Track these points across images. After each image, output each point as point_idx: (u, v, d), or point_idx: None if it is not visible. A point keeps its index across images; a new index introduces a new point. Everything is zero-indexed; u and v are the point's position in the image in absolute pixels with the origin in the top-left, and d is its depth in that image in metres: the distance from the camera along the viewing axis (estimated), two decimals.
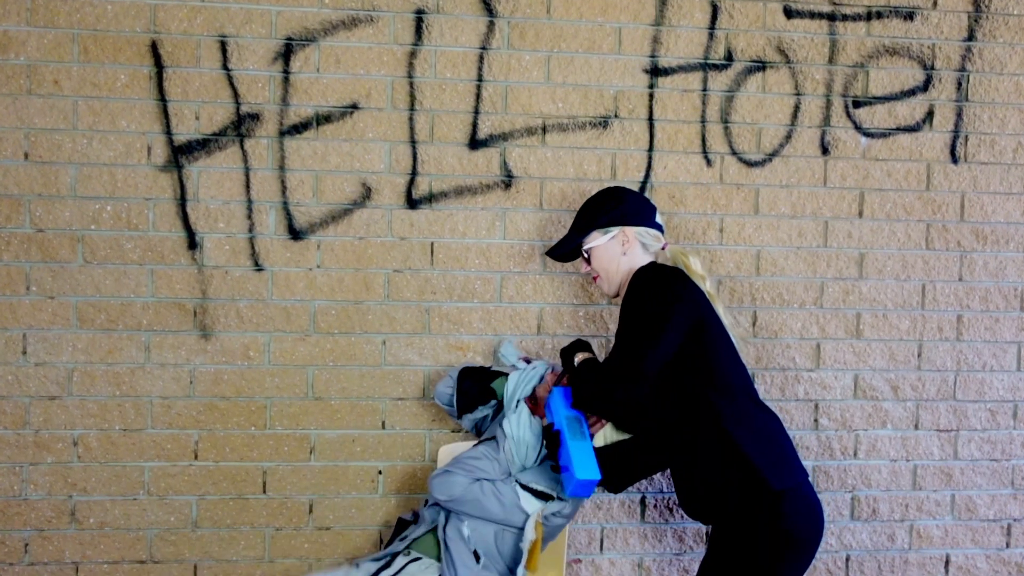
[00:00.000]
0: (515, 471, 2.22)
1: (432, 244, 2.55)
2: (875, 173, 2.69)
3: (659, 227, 2.18)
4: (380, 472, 2.59)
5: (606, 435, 2.19)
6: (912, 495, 2.76)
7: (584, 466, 2.04)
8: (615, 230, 2.15)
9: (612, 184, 2.58)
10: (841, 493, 2.74)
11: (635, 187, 2.60)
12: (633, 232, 2.14)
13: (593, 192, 2.37)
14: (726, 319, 2.07)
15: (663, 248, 2.20)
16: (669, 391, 1.98)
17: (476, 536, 2.16)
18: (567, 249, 2.22)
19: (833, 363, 2.71)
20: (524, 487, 2.20)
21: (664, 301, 1.96)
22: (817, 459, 2.72)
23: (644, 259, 2.16)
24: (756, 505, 1.86)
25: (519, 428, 2.20)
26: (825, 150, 2.67)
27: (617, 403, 2.00)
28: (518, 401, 2.24)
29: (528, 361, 2.38)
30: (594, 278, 2.21)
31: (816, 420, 2.72)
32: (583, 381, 2.06)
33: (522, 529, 2.16)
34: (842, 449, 2.73)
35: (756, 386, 2.42)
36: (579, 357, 2.15)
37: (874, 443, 2.74)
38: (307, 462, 2.56)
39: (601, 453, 2.14)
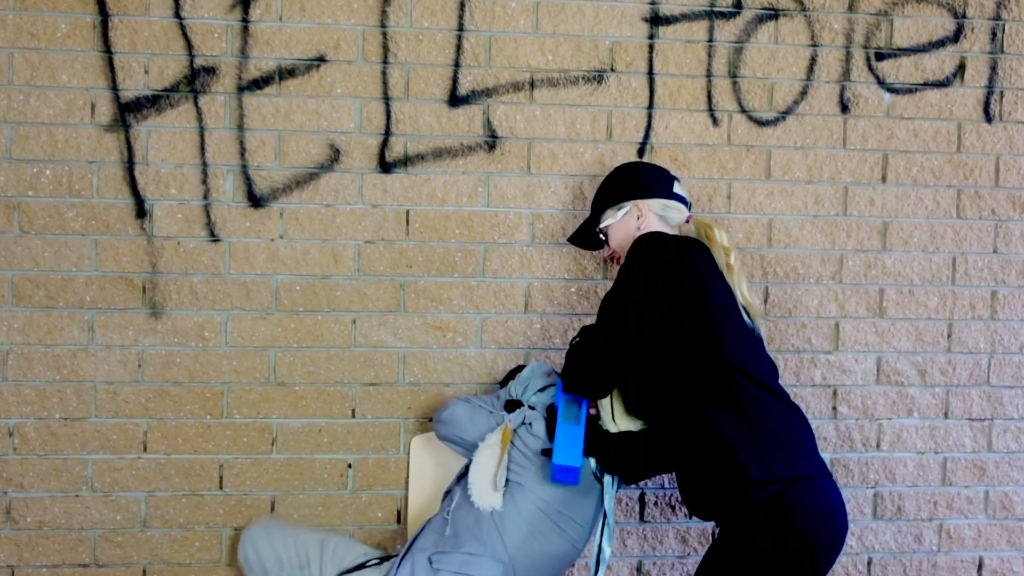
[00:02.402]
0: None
1: (408, 212, 2.54)
2: (900, 133, 2.68)
3: (680, 198, 2.23)
4: (350, 466, 2.58)
5: (617, 421, 2.18)
6: (941, 491, 2.75)
7: (564, 451, 2.05)
8: (627, 205, 2.21)
9: (607, 143, 2.58)
10: (862, 489, 2.73)
11: (633, 149, 2.60)
12: (647, 205, 2.20)
13: (589, 157, 2.41)
14: (745, 297, 2.08)
15: (687, 221, 2.23)
16: (671, 369, 1.99)
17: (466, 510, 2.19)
18: (585, 233, 2.30)
19: (853, 344, 2.69)
20: (507, 405, 2.30)
21: (652, 274, 1.98)
22: (835, 451, 2.72)
23: (660, 229, 2.19)
24: (745, 499, 1.86)
25: (530, 369, 2.33)
26: (844, 108, 2.66)
27: (597, 382, 2.04)
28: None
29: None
30: (616, 260, 2.27)
31: (834, 408, 2.71)
32: (567, 364, 2.12)
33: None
34: (863, 440, 2.72)
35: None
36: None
37: (899, 433, 2.73)
38: (268, 454, 2.55)
39: (612, 440, 2.15)
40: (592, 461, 2.17)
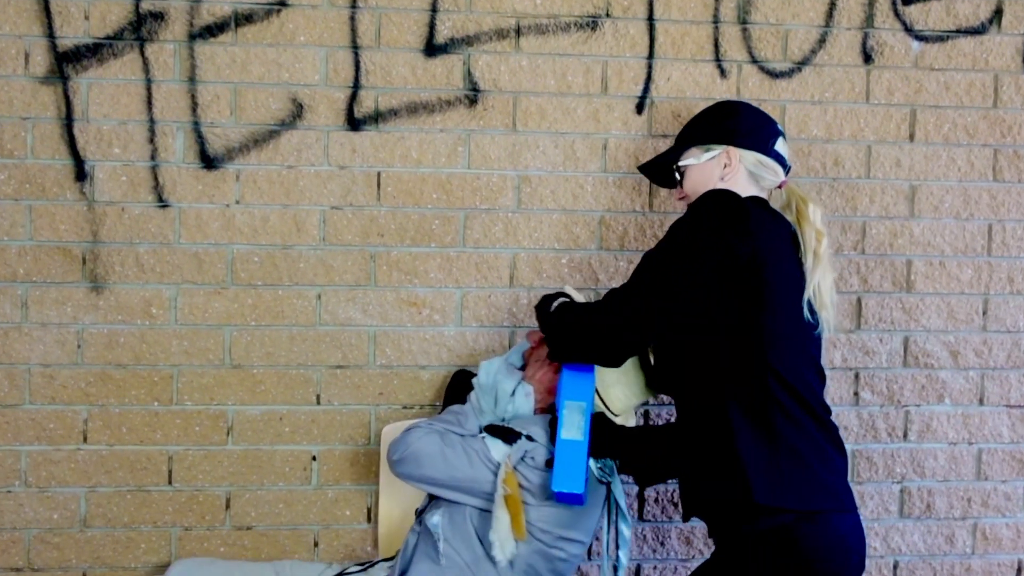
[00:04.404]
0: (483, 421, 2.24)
1: (379, 174, 2.53)
2: (930, 86, 2.66)
3: (779, 158, 2.12)
4: (314, 458, 2.56)
5: (621, 401, 2.19)
6: (976, 486, 2.75)
7: (564, 474, 2.01)
8: (718, 149, 2.09)
9: (602, 98, 2.55)
10: (887, 484, 2.72)
11: (632, 103, 2.57)
12: (739, 155, 2.08)
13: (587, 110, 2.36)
14: (821, 298, 1.99)
15: (780, 187, 2.13)
16: (702, 352, 1.95)
17: (448, 523, 2.15)
18: (660, 164, 2.19)
19: (878, 323, 2.69)
20: (489, 431, 2.18)
21: (708, 236, 1.90)
22: (857, 441, 2.71)
23: (748, 191, 2.08)
24: (747, 523, 1.85)
25: (487, 375, 2.25)
26: (868, 57, 2.64)
27: (605, 346, 1.98)
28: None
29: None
30: (682, 198, 2.17)
31: (856, 393, 2.70)
32: (557, 322, 2.08)
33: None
34: (888, 430, 2.71)
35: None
36: (559, 301, 2.15)
37: (928, 422, 2.72)
38: (223, 445, 2.54)
39: (626, 436, 2.11)
40: (592, 462, 2.10)
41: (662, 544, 2.65)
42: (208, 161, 2.47)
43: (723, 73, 2.58)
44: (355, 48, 2.49)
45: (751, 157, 2.07)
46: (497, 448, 2.14)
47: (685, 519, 2.01)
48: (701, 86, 2.58)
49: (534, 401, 2.22)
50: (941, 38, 2.63)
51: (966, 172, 2.68)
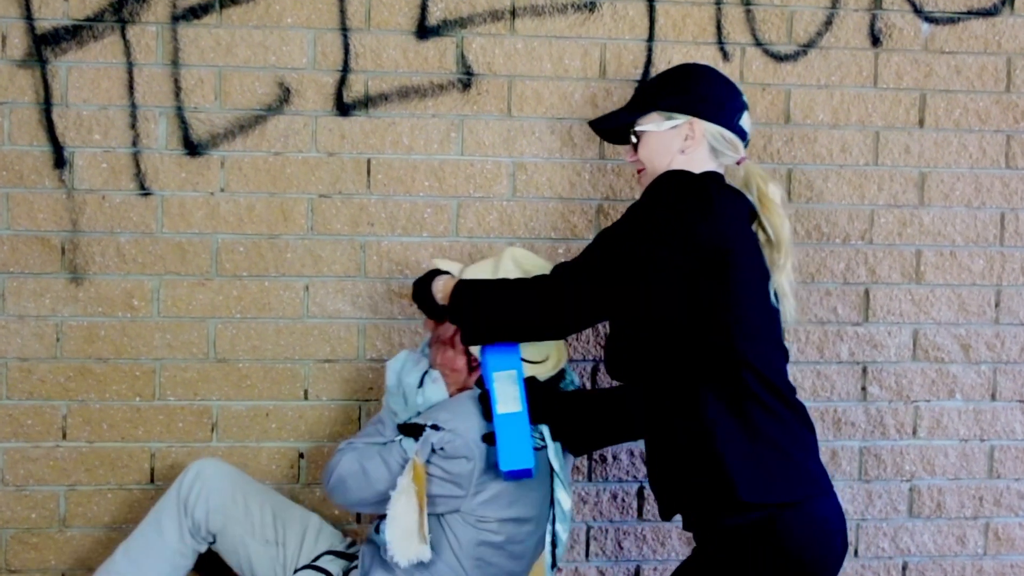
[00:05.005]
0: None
1: (369, 161, 2.53)
2: (940, 70, 2.66)
3: (742, 133, 2.08)
4: (302, 455, 2.56)
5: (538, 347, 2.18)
6: (988, 485, 2.74)
7: (511, 452, 2.00)
8: (681, 118, 2.03)
9: (600, 82, 2.54)
10: (896, 482, 2.72)
11: (631, 88, 2.53)
12: (703, 128, 2.03)
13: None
14: (783, 286, 1.98)
15: (739, 163, 2.09)
16: (666, 342, 1.92)
17: None
18: (615, 125, 2.14)
19: (886, 315, 2.68)
20: (402, 431, 2.13)
21: (665, 221, 1.88)
22: (865, 438, 2.70)
23: (707, 165, 2.04)
24: (730, 519, 1.86)
25: (392, 374, 2.19)
26: (876, 40, 2.64)
27: (523, 305, 2.00)
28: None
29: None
30: (638, 171, 2.12)
31: (864, 388, 2.70)
32: (462, 299, 2.07)
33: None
34: (897, 426, 2.71)
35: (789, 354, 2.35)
36: (444, 281, 2.16)
37: (939, 418, 2.72)
38: (208, 442, 2.53)
39: (553, 403, 2.13)
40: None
41: (662, 544, 2.64)
42: (192, 147, 2.47)
43: (726, 56, 2.58)
44: (344, 30, 2.48)
45: (715, 130, 2.02)
46: (411, 446, 2.09)
47: (665, 518, 2.00)
48: None
49: (444, 386, 2.17)
50: (952, 20, 2.63)
51: (978, 159, 2.67)
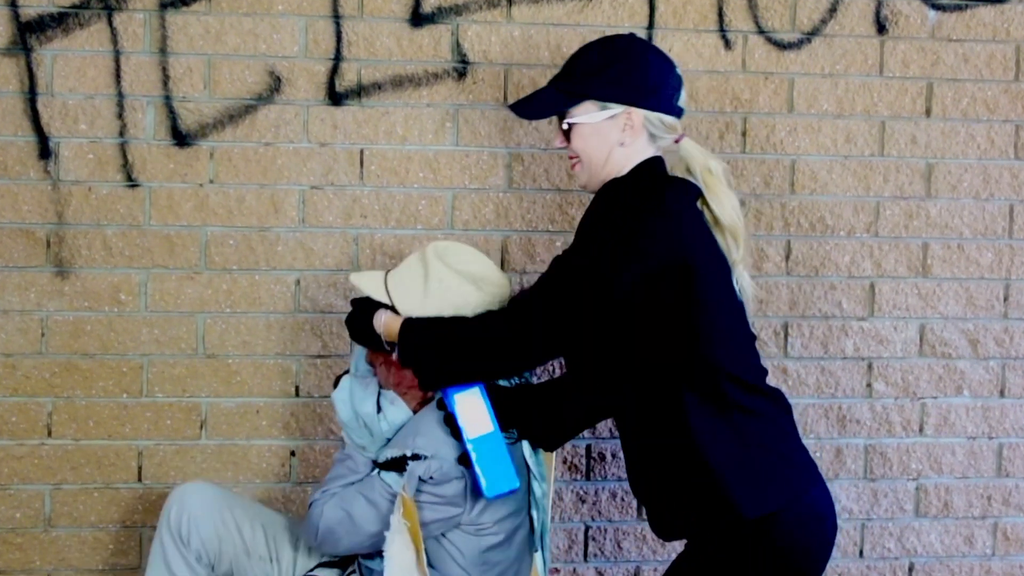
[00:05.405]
0: (371, 456, 2.10)
1: (362, 152, 2.53)
2: (947, 58, 2.66)
3: (679, 112, 2.01)
4: (293, 453, 2.56)
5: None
6: (996, 483, 2.74)
7: (494, 477, 1.96)
8: (618, 108, 1.95)
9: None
10: (902, 481, 2.72)
11: None
12: (642, 117, 1.95)
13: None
14: (741, 276, 1.96)
15: (676, 141, 2.02)
16: (642, 359, 1.90)
17: None
18: (543, 115, 2.06)
19: (892, 309, 2.68)
20: (380, 466, 2.03)
21: (624, 242, 1.85)
22: (870, 436, 2.70)
23: (646, 152, 1.98)
24: (726, 531, 1.86)
25: (343, 408, 2.09)
26: (881, 27, 2.64)
27: (487, 347, 1.96)
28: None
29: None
30: (571, 159, 2.04)
31: (869, 385, 2.69)
32: (415, 345, 1.99)
33: None
34: (903, 423, 2.71)
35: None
36: (387, 318, 2.05)
37: (946, 415, 2.72)
38: (196, 440, 2.53)
39: (515, 405, 2.07)
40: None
41: (663, 544, 2.60)
42: (180, 138, 2.47)
43: (728, 44, 2.58)
44: (336, 17, 2.48)
45: (654, 117, 1.94)
46: (395, 480, 2.01)
47: (664, 537, 2.00)
48: (704, 58, 2.57)
49: (404, 404, 2.08)
50: (959, 7, 2.63)
51: (986, 149, 2.67)
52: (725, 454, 1.83)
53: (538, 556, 2.17)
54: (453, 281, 2.01)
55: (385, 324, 2.01)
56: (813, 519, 1.90)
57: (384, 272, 2.11)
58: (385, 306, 2.04)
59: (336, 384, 2.14)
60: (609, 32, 2.43)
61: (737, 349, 1.92)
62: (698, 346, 1.84)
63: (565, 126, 1.98)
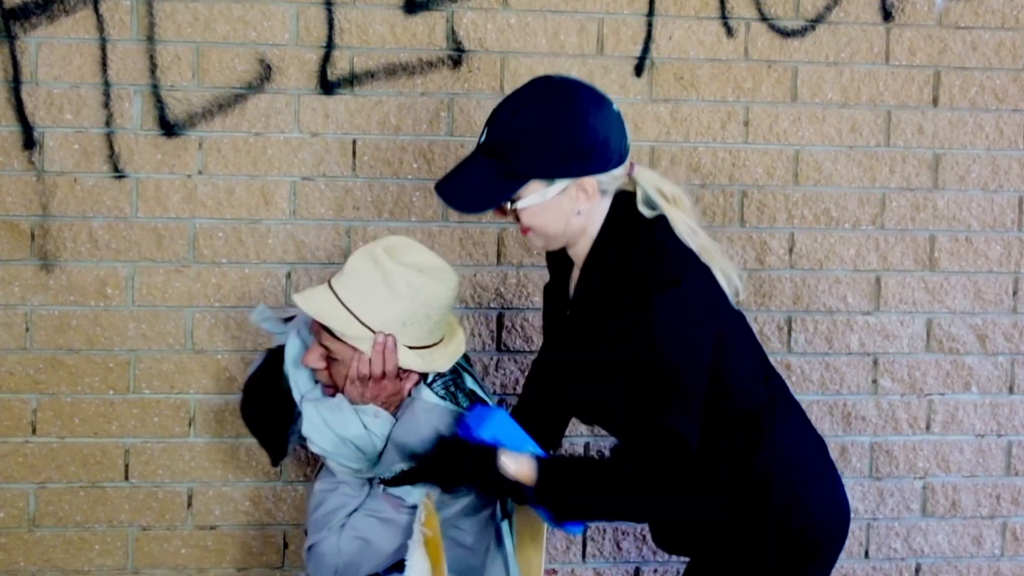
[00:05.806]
0: (367, 476, 2.01)
1: (354, 142, 2.53)
2: (955, 45, 2.66)
3: (626, 152, 1.88)
4: None
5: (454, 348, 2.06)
6: (1005, 482, 2.75)
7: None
8: (565, 182, 1.82)
9: (597, 59, 2.51)
10: (909, 480, 2.72)
11: (630, 65, 2.56)
12: (595, 182, 1.82)
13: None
14: (728, 288, 1.89)
15: (629, 175, 1.91)
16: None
17: None
18: (490, 206, 1.85)
19: (898, 304, 2.69)
20: (389, 483, 1.94)
21: (694, 339, 1.79)
22: (876, 433, 2.71)
23: (603, 204, 1.87)
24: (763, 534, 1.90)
25: (325, 439, 1.94)
26: (887, 14, 2.64)
27: (689, 505, 1.82)
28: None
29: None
30: (522, 231, 1.90)
31: (875, 381, 2.70)
32: (586, 498, 1.82)
33: None
34: (910, 420, 2.71)
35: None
36: (519, 466, 1.80)
37: (954, 412, 2.72)
38: (185, 438, 2.53)
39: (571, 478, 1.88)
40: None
41: None
42: (168, 127, 2.47)
43: (729, 32, 2.58)
44: (328, 4, 2.47)
45: (606, 177, 1.83)
46: (408, 492, 1.93)
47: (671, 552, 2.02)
48: (705, 46, 2.57)
49: (387, 415, 1.98)
50: None
51: (994, 139, 2.68)
52: (781, 479, 1.86)
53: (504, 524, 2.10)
54: (418, 279, 1.90)
55: (516, 471, 1.80)
56: (836, 500, 1.96)
57: (326, 285, 1.94)
58: (493, 447, 1.83)
59: (269, 420, 2.07)
60: (608, 19, 2.49)
61: (755, 380, 1.93)
62: (741, 374, 1.86)
63: (509, 204, 1.84)
